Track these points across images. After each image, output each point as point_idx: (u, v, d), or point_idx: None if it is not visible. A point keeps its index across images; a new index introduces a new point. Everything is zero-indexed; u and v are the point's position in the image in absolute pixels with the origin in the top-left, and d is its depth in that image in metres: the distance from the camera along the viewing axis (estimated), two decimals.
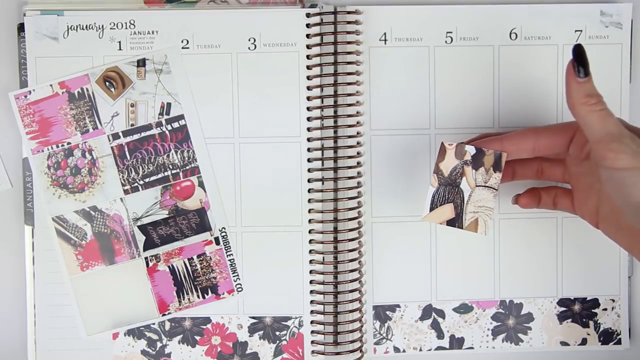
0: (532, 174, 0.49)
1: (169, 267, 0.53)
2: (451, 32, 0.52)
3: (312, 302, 0.53)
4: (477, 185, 0.46)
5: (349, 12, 0.51)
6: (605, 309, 0.54)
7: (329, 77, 0.51)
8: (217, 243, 0.53)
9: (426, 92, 0.53)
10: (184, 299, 0.53)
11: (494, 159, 0.46)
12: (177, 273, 0.53)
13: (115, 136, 0.52)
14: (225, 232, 0.52)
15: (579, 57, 0.42)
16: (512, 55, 0.53)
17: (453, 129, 0.53)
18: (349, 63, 0.51)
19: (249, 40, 0.52)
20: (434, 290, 0.53)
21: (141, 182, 0.52)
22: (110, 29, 0.52)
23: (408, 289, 0.53)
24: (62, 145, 0.52)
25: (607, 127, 0.41)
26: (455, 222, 0.47)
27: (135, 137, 0.52)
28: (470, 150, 0.46)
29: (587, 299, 0.54)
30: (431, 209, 0.47)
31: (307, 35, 0.52)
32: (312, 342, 0.53)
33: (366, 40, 0.52)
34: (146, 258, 0.52)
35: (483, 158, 0.46)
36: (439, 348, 0.54)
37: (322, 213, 0.52)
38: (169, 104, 0.52)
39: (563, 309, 0.54)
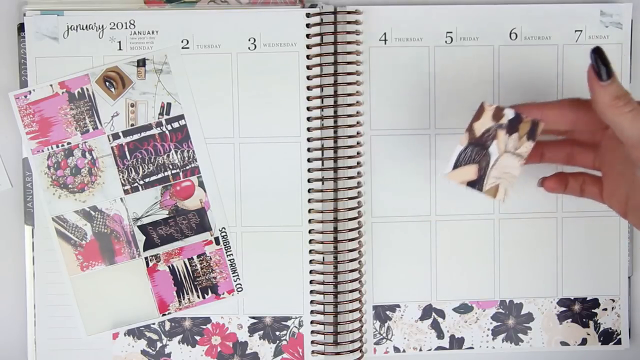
0: (562, 158, 0.48)
1: (169, 267, 0.53)
2: (451, 32, 0.52)
3: (312, 302, 0.53)
4: (506, 151, 0.45)
5: (349, 12, 0.51)
6: (605, 309, 0.54)
7: (329, 77, 0.51)
8: (217, 243, 0.53)
9: (426, 92, 0.53)
10: (184, 299, 0.53)
11: (530, 126, 0.44)
12: (177, 273, 0.53)
13: (115, 136, 0.52)
14: (225, 232, 0.52)
15: (600, 59, 0.41)
16: (512, 55, 0.53)
17: (453, 129, 0.53)
18: (349, 63, 0.51)
19: (249, 40, 0.52)
20: (434, 290, 0.53)
21: (141, 182, 0.52)
22: (110, 29, 0.52)
23: (408, 289, 0.53)
24: (62, 145, 0.52)
25: None
26: (476, 184, 0.45)
27: (135, 137, 0.52)
28: (509, 113, 0.44)
29: (587, 299, 0.54)
30: (455, 167, 0.45)
31: (307, 35, 0.52)
32: (312, 342, 0.53)
33: (366, 40, 0.52)
34: (146, 258, 0.52)
35: (519, 124, 0.44)
36: (439, 348, 0.54)
37: (322, 213, 0.52)
38: (169, 104, 0.52)
39: (563, 309, 0.54)
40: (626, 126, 0.40)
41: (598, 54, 0.41)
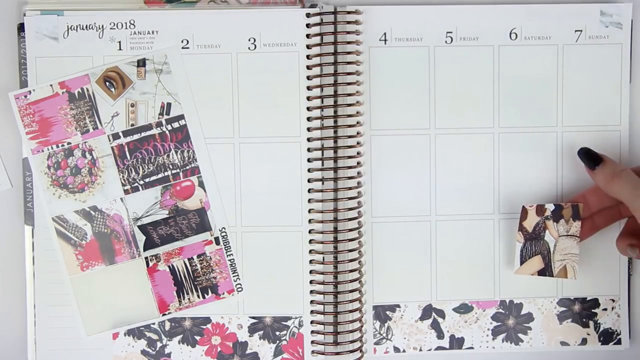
0: (611, 219, 0.51)
1: (169, 267, 0.53)
2: (451, 32, 0.52)
3: (312, 302, 0.53)
4: (560, 236, 0.50)
5: (349, 12, 0.51)
6: (605, 309, 0.54)
7: (329, 77, 0.51)
8: (217, 243, 0.53)
9: (426, 92, 0.53)
10: (184, 299, 0.53)
11: (572, 210, 0.50)
12: (177, 273, 0.53)
13: (116, 136, 0.52)
14: (225, 232, 0.52)
15: (586, 157, 0.49)
16: (512, 55, 0.53)
17: (453, 129, 0.53)
18: (349, 63, 0.51)
19: (249, 40, 0.52)
20: (434, 290, 0.53)
21: (141, 182, 0.52)
22: (110, 29, 0.52)
23: (408, 289, 0.53)
24: (62, 145, 0.52)
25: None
26: (545, 271, 0.51)
27: (136, 137, 0.52)
28: (550, 207, 0.50)
29: (587, 299, 0.54)
30: (521, 263, 0.51)
31: (307, 35, 0.52)
32: (312, 342, 0.53)
33: (366, 40, 0.52)
34: (146, 258, 0.52)
35: (562, 211, 0.51)
36: (439, 348, 0.54)
37: (322, 213, 0.52)
38: (169, 104, 0.52)
39: (563, 309, 0.54)
40: (625, 198, 0.47)
41: (584, 154, 0.50)
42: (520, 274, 0.51)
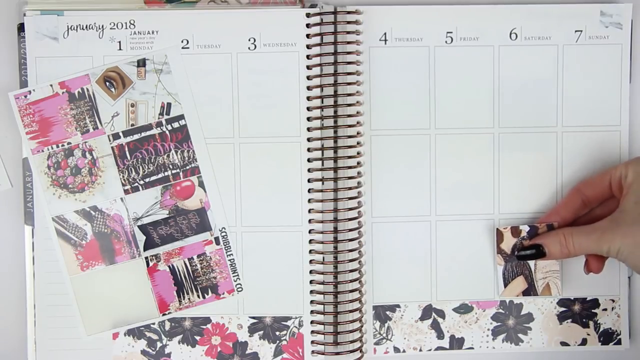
0: (605, 192, 0.50)
1: (169, 266, 0.53)
2: (451, 32, 0.52)
3: (312, 302, 0.53)
4: None
5: (349, 12, 0.51)
6: (605, 309, 0.54)
7: (329, 77, 0.51)
8: (217, 243, 0.53)
9: (426, 92, 0.53)
10: (184, 299, 0.53)
11: (547, 229, 0.51)
12: (177, 273, 0.53)
13: (116, 136, 0.52)
14: (225, 232, 0.52)
15: (531, 256, 0.50)
16: (512, 55, 0.53)
17: (453, 129, 0.53)
18: (349, 63, 0.51)
19: (249, 40, 0.52)
20: (434, 290, 0.53)
21: (141, 182, 0.52)
22: (110, 29, 0.52)
23: (408, 289, 0.53)
24: (62, 145, 0.52)
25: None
26: (530, 291, 0.52)
27: (136, 137, 0.52)
28: (524, 228, 0.51)
29: (587, 299, 0.54)
30: (505, 285, 0.52)
31: (307, 35, 0.52)
32: (312, 342, 0.53)
33: (366, 40, 0.52)
34: (146, 258, 0.52)
35: (537, 231, 0.51)
36: (439, 348, 0.54)
37: (322, 213, 0.52)
38: (169, 104, 0.52)
39: (563, 309, 0.54)
40: (594, 250, 0.47)
41: (525, 257, 0.50)
42: (505, 297, 0.52)
